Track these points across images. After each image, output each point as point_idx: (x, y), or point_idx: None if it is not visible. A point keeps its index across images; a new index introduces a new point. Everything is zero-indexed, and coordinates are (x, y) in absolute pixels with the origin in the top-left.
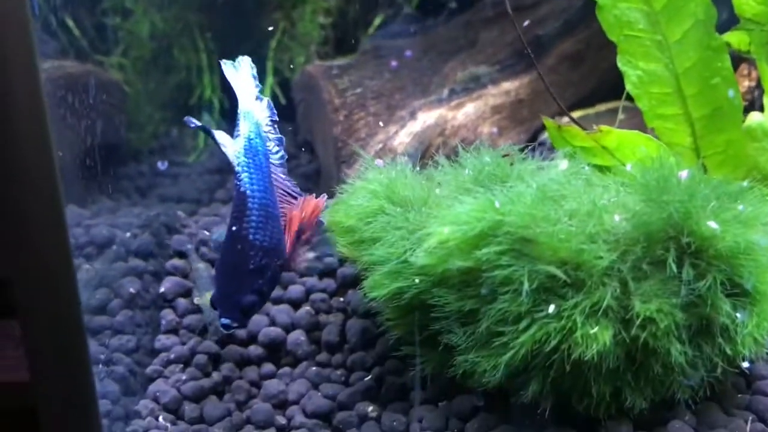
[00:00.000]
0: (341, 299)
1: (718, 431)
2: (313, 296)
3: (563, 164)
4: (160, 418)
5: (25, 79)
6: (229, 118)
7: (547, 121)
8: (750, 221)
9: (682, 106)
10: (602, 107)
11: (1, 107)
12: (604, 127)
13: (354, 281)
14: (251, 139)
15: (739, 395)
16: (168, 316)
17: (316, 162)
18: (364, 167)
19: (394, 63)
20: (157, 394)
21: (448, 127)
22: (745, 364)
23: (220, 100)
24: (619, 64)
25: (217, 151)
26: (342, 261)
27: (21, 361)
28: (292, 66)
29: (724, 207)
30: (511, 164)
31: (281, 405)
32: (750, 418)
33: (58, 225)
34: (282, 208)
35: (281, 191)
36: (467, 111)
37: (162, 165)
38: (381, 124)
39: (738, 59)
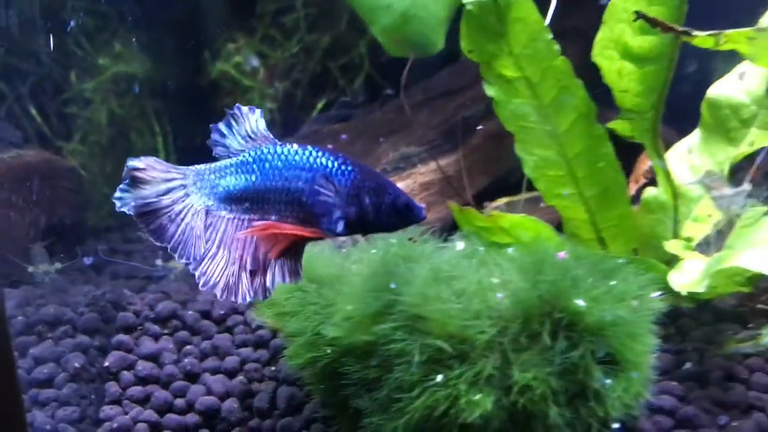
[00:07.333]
0: (273, 368)
1: None
2: (248, 366)
3: (460, 245)
4: None
5: None
6: None
7: (452, 205)
8: (620, 296)
9: (575, 186)
10: (527, 195)
11: None
12: (495, 212)
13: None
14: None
15: None
16: (112, 388)
17: None
18: None
19: (330, 146)
20: None
21: None
22: (616, 425)
23: None
24: (517, 152)
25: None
26: (275, 333)
27: None
28: None
29: (597, 284)
30: (415, 242)
31: None
32: None
33: None
34: None
35: None
36: None
37: None
38: None
39: None
